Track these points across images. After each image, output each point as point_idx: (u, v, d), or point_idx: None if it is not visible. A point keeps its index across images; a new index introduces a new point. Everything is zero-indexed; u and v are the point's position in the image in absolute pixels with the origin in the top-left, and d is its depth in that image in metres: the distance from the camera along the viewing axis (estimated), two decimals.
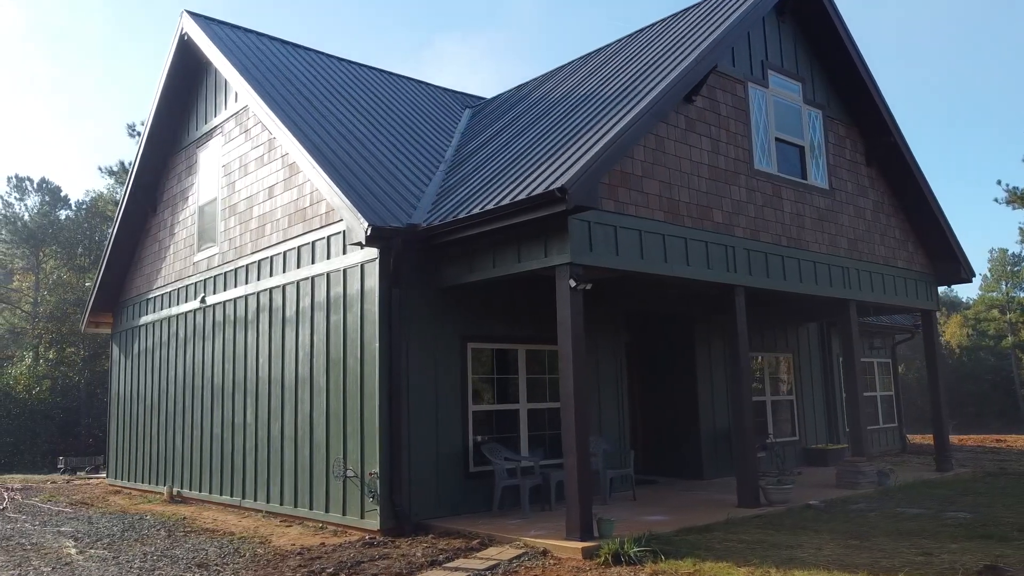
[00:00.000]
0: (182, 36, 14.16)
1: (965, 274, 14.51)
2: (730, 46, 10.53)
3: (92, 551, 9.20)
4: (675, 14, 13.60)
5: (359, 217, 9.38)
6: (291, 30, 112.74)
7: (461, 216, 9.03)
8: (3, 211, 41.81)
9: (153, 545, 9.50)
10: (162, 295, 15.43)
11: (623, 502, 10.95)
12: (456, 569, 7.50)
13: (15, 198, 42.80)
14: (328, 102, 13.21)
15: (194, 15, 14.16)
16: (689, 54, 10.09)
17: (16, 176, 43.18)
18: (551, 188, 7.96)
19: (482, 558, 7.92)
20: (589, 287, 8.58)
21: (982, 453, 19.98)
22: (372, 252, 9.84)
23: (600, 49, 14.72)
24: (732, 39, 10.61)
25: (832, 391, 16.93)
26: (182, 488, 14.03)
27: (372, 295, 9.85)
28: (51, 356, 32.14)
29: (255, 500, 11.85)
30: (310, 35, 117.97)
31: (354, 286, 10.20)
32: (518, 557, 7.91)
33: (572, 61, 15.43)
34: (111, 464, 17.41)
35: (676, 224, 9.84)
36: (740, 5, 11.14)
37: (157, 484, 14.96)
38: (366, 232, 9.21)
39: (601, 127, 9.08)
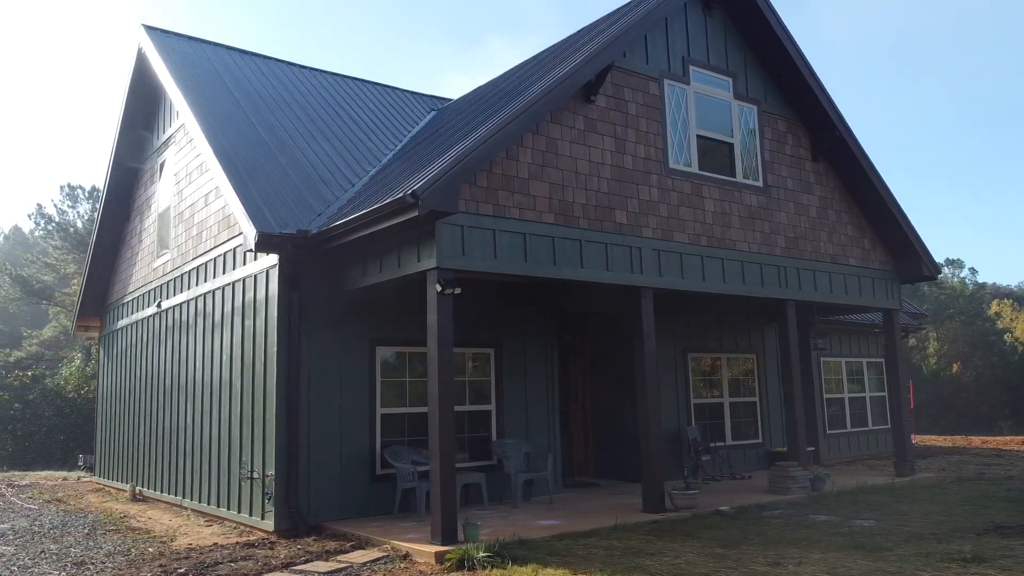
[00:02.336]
0: (139, 49, 14.63)
1: (927, 271, 13.94)
2: (624, 47, 10.31)
3: (2, 548, 9.63)
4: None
5: (250, 224, 9.58)
6: (333, 31, 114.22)
7: (336, 223, 9.14)
8: (57, 218, 43.83)
9: (63, 543, 9.88)
10: (133, 300, 15.98)
11: (535, 506, 10.90)
12: (302, 572, 7.61)
13: (68, 205, 44.81)
14: (273, 111, 13.46)
15: (150, 28, 14.61)
16: (574, 56, 9.98)
17: (68, 185, 45.14)
18: (405, 194, 7.99)
19: (341, 560, 8.01)
20: (458, 291, 8.58)
21: (990, 456, 19.12)
22: (274, 258, 10.03)
23: (551, 47, 14.62)
24: (630, 39, 10.41)
25: (804, 393, 16.42)
26: (143, 487, 14.51)
27: (274, 300, 10.05)
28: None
29: (191, 500, 12.20)
30: (352, 36, 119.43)
31: (261, 292, 10.41)
32: (376, 560, 7.99)
33: (527, 60, 15.36)
34: (96, 463, 18.13)
35: (570, 226, 9.75)
36: (644, 5, 10.94)
37: (125, 483, 15.52)
38: (254, 239, 9.40)
39: (471, 132, 9.07)
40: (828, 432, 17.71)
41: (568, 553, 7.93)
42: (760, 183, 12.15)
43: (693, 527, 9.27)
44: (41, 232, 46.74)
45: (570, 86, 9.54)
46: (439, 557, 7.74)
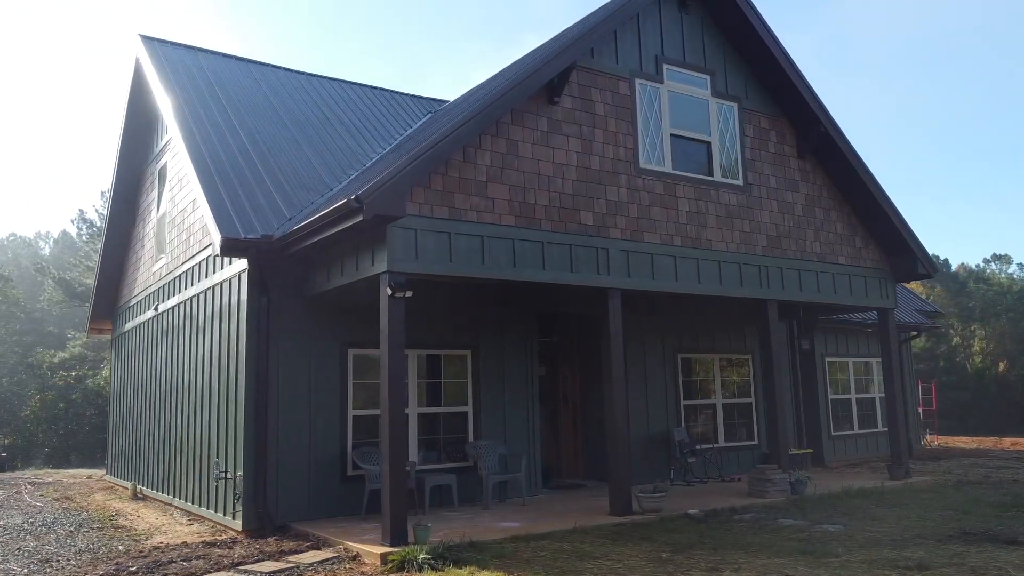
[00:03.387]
0: (136, 59, 15.00)
1: (923, 269, 13.58)
2: (585, 49, 10.21)
3: None
4: None
5: (216, 230, 9.77)
6: (364, 34, 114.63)
7: (293, 229, 9.28)
8: (98, 223, 45.15)
9: (43, 540, 10.19)
10: (137, 303, 16.40)
11: (507, 507, 10.91)
12: (247, 571, 7.74)
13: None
14: (261, 118, 13.67)
15: (146, 38, 14.96)
16: (532, 59, 9.94)
17: (107, 189, 46.48)
18: (348, 199, 8.07)
19: (290, 561, 8.13)
20: (409, 294, 8.64)
21: (1009, 459, 18.52)
22: (244, 263, 10.21)
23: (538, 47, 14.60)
24: (594, 39, 10.33)
25: (801, 393, 16.16)
26: (143, 486, 14.88)
27: (244, 304, 10.23)
28: None
29: (179, 499, 12.48)
30: (382, 37, 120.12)
31: (234, 296, 10.61)
32: (325, 561, 8.09)
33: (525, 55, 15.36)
34: (109, 462, 18.64)
35: (531, 228, 9.74)
36: (609, 6, 10.85)
37: (130, 481, 15.93)
38: (219, 244, 9.59)
39: (423, 137, 9.10)
40: (833, 433, 17.37)
41: (513, 556, 7.94)
42: (740, 181, 11.97)
43: (654, 530, 9.19)
44: (84, 236, 48.21)
45: (525, 89, 9.51)
46: (384, 558, 7.81)
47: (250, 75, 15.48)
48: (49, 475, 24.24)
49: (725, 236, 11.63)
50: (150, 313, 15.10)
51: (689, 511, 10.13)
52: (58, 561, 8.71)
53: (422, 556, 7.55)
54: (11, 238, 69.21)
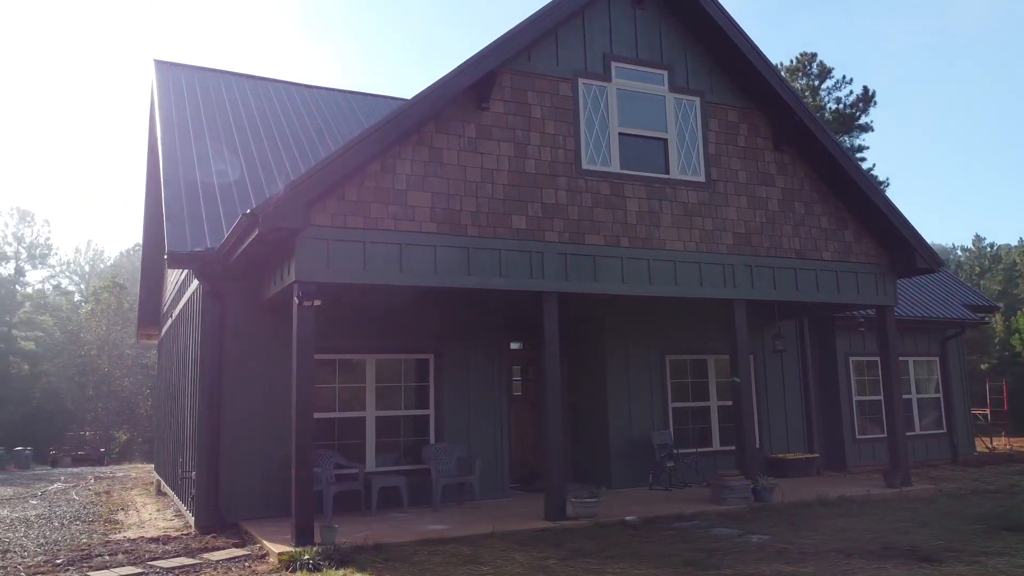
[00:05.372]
0: (151, 82, 16.01)
1: (922, 263, 12.71)
2: (509, 53, 10.12)
3: None
4: None
5: (167, 243, 10.38)
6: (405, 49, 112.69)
7: (221, 242, 9.73)
8: None
9: (31, 529, 11.15)
10: (165, 311, 17.52)
11: (455, 510, 11.01)
12: (151, 566, 8.22)
13: None
14: (253, 133, 14.30)
15: (159, 63, 15.96)
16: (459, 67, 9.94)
17: None
18: (243, 214, 8.42)
19: (202, 557, 8.58)
20: (318, 303, 8.91)
21: None
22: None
23: None
24: (525, 41, 10.26)
25: (813, 395, 15.41)
26: (164, 481, 15.90)
27: (200, 312, 10.82)
28: None
29: (175, 495, 13.29)
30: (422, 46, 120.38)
31: (196, 305, 11.24)
32: (233, 559, 8.49)
33: None
34: (154, 458, 19.96)
35: (456, 235, 9.82)
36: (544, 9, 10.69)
37: (159, 477, 17.05)
38: (167, 257, 10.19)
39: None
40: (858, 437, 16.47)
41: (405, 559, 8.07)
42: (701, 178, 11.60)
43: (573, 536, 9.10)
44: None
45: (436, 100, 9.55)
46: (280, 557, 8.13)
47: (256, 91, 16.19)
48: (124, 470, 26.21)
49: (683, 235, 11.30)
50: (169, 321, 16.11)
51: (626, 518, 9.94)
52: (18, 551, 9.52)
53: (306, 556, 7.82)
54: (135, 247, 74.77)
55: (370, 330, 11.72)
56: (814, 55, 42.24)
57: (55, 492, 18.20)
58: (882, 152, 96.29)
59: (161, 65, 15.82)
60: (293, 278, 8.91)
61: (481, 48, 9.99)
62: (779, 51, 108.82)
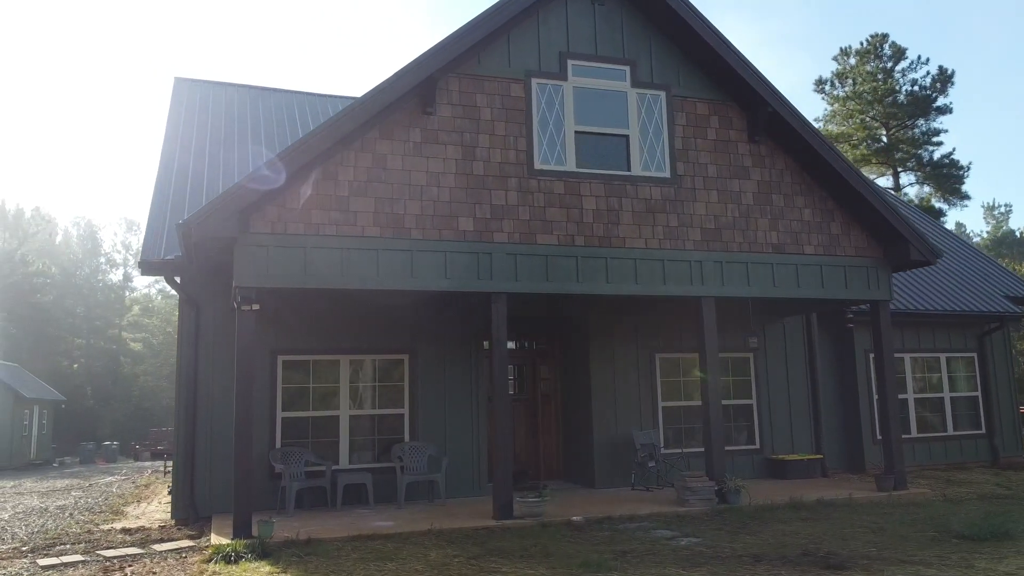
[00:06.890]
0: (171, 98, 16.96)
1: (918, 255, 12.04)
2: (448, 57, 10.21)
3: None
4: None
5: (141, 251, 11.04)
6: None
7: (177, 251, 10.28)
8: None
9: (39, 519, 12.09)
10: None
11: (418, 508, 11.21)
12: (99, 555, 8.80)
13: None
14: (254, 143, 15.00)
15: (179, 79, 16.88)
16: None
17: None
18: (176, 224, 8.89)
19: (151, 548, 9.12)
20: (256, 307, 9.31)
21: None
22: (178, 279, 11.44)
23: None
24: (472, 42, 10.35)
25: (820, 393, 14.81)
26: None
27: (177, 316, 11.46)
28: None
29: None
30: None
31: (176, 309, 11.88)
32: (176, 549, 9.01)
33: None
34: None
35: (400, 238, 10.03)
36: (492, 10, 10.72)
37: None
38: (137, 265, 10.84)
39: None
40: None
41: (329, 555, 8.32)
42: (666, 174, 11.39)
43: (501, 536, 9.14)
44: None
45: (376, 106, 9.79)
46: (212, 550, 8.56)
47: (269, 102, 16.90)
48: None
49: (644, 233, 11.14)
50: None
51: (573, 518, 9.92)
52: (7, 539, 10.37)
53: (230, 548, 8.21)
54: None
55: (346, 331, 12.09)
56: (885, 36, 40.28)
57: (104, 484, 19.56)
58: (963, 135, 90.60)
59: (180, 82, 16.73)
60: (234, 283, 9.34)
61: (420, 53, 10.15)
62: (846, 34, 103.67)
